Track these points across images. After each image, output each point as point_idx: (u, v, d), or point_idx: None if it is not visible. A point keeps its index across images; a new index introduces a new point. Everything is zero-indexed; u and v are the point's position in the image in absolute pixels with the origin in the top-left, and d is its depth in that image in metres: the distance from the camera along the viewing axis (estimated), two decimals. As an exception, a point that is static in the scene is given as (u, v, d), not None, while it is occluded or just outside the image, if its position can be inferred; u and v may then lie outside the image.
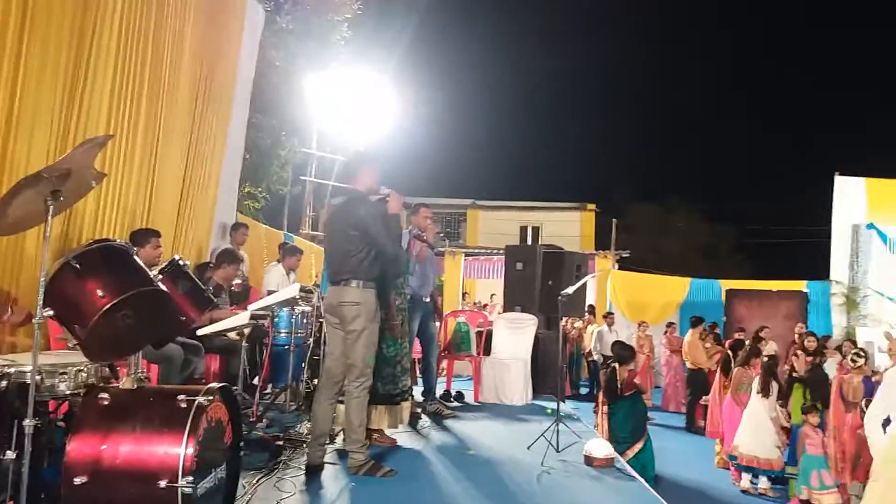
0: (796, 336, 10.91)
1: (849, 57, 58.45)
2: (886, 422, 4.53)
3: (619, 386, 6.64)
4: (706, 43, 61.53)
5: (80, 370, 2.93)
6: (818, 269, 15.95)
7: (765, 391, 7.08)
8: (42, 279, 2.68)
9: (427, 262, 6.10)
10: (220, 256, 6.26)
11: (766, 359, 7.48)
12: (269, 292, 6.75)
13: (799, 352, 8.38)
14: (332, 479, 4.09)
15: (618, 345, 7.47)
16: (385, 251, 4.20)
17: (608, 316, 13.05)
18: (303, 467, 4.20)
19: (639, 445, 6.48)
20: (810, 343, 8.62)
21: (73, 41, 4.84)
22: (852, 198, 14.78)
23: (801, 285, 15.08)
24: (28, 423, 2.54)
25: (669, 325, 13.13)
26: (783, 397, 7.33)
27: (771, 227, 32.44)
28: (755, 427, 7.08)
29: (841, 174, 14.96)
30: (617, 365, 6.73)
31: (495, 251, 17.94)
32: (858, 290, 14.46)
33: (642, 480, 4.70)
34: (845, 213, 14.86)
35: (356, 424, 4.15)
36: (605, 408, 6.86)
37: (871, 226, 14.51)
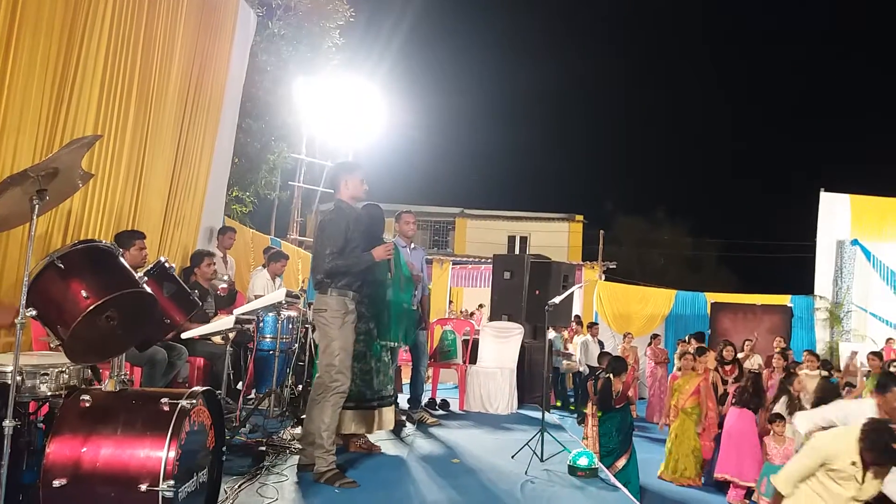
0: (775, 351, 10.96)
1: (836, 75, 59.21)
2: None
3: (613, 397, 6.65)
4: (694, 58, 62.12)
5: (62, 371, 2.89)
6: (802, 283, 16.08)
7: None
8: (25, 279, 2.65)
9: (415, 267, 6.09)
10: (193, 259, 6.27)
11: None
12: (256, 297, 6.72)
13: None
14: (316, 485, 4.05)
15: (610, 356, 7.46)
16: (322, 259, 4.19)
17: (592, 326, 13.06)
18: (286, 474, 4.18)
19: (626, 457, 6.50)
20: (728, 353, 8.74)
21: (62, 41, 4.82)
22: (837, 214, 14.95)
23: (785, 300, 15.19)
24: (7, 424, 2.51)
25: (654, 336, 13.17)
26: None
27: (756, 242, 32.74)
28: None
29: (826, 190, 15.14)
30: (611, 376, 6.74)
31: (483, 260, 17.96)
32: (842, 305, 14.59)
33: (626, 491, 4.70)
34: (830, 228, 15.02)
35: (322, 429, 4.12)
36: (595, 419, 6.86)
37: (855, 242, 14.67)
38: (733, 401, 7.31)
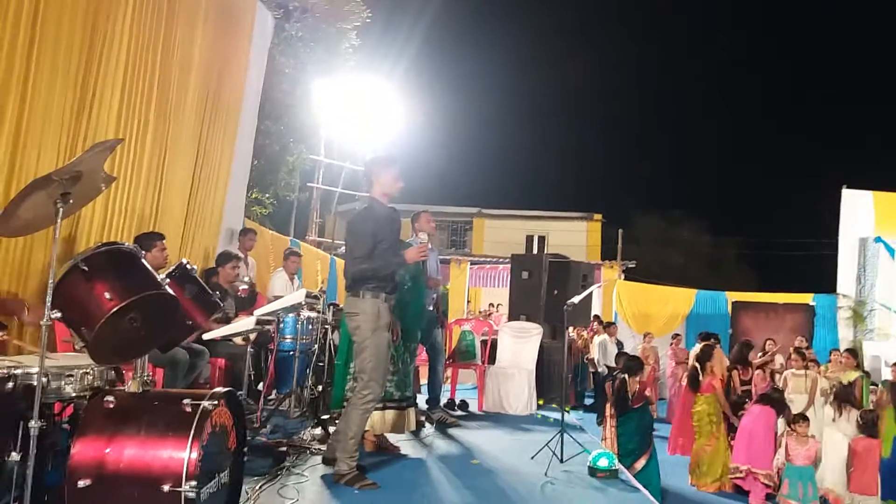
0: (792, 349, 10.78)
1: (858, 70, 58.42)
2: None
3: (629, 397, 6.60)
4: (714, 55, 61.60)
5: (87, 373, 2.92)
6: (825, 281, 15.88)
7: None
8: (50, 281, 2.69)
9: (431, 269, 6.11)
10: (219, 259, 6.32)
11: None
12: (275, 298, 6.76)
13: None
14: (336, 486, 4.07)
15: (625, 356, 7.41)
16: (355, 258, 4.12)
17: (610, 326, 12.98)
18: (306, 474, 4.20)
19: (645, 458, 6.45)
20: (753, 356, 8.41)
21: (83, 47, 4.88)
22: (860, 211, 14.72)
23: (807, 298, 15.00)
24: (33, 424, 2.54)
25: (675, 336, 13.07)
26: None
27: (777, 240, 32.38)
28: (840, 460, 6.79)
29: (849, 187, 14.93)
30: (626, 376, 6.69)
31: (501, 260, 17.92)
32: (865, 303, 14.38)
33: (646, 492, 4.67)
34: (852, 226, 14.80)
35: (349, 434, 4.08)
36: (613, 420, 6.82)
37: (878, 239, 14.44)
38: (756, 399, 7.24)
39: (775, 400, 7.04)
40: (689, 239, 31.84)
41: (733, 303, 15.11)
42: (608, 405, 7.25)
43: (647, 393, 6.90)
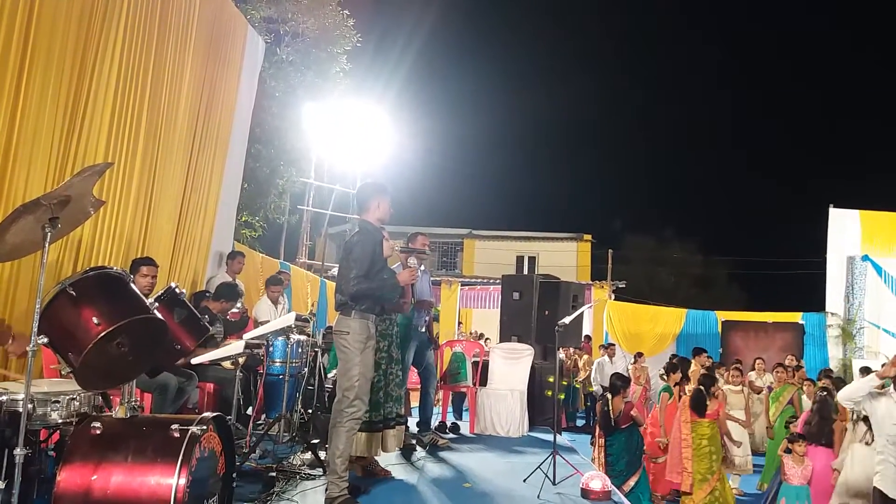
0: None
1: (845, 89, 59.26)
2: None
3: (613, 417, 6.56)
4: (702, 77, 62.37)
5: (73, 399, 2.90)
6: (814, 300, 15.97)
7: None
8: (37, 306, 2.67)
9: (423, 292, 6.10)
10: (222, 290, 6.25)
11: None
12: (260, 322, 6.73)
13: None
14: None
15: (613, 375, 7.38)
16: (347, 281, 4.14)
17: (609, 347, 12.97)
18: (296, 500, 4.15)
19: (635, 478, 6.40)
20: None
21: (73, 71, 4.89)
22: (847, 230, 14.89)
23: (796, 317, 15.08)
24: (18, 452, 2.51)
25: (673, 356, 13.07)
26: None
27: (766, 259, 32.57)
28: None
29: (836, 206, 15.09)
30: (610, 396, 6.66)
31: (492, 281, 17.92)
32: (854, 322, 14.48)
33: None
34: (840, 244, 14.95)
35: (335, 454, 4.06)
36: (602, 440, 6.78)
37: (865, 257, 14.60)
38: (805, 434, 6.64)
39: (819, 430, 6.52)
40: (679, 259, 31.98)
41: (723, 322, 15.18)
42: (596, 425, 7.21)
43: (634, 413, 6.82)
